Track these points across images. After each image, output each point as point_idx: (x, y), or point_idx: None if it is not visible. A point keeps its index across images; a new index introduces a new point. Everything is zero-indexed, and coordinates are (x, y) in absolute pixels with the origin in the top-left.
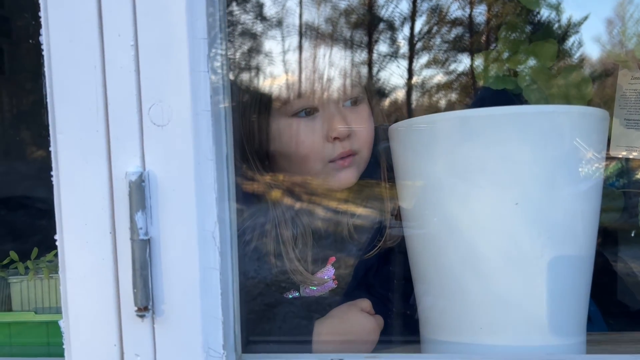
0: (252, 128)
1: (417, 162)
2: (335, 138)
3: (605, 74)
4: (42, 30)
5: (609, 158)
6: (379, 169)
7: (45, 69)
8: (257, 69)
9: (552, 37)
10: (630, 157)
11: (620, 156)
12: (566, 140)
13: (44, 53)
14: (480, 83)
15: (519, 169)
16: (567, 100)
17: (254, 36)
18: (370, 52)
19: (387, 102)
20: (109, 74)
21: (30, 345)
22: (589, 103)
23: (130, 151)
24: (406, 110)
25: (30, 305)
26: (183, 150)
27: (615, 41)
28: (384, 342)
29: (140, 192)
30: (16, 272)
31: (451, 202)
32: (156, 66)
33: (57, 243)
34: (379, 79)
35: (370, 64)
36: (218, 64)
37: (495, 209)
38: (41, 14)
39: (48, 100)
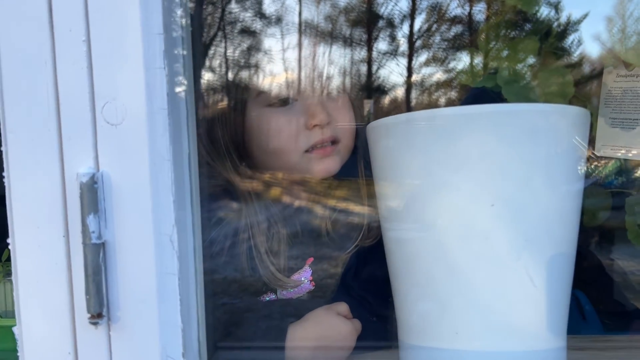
0: (228, 121)
1: (393, 162)
2: (315, 125)
3: (591, 72)
4: None
5: (596, 157)
6: (358, 165)
7: None
8: (232, 60)
9: (534, 34)
10: (615, 156)
11: (605, 155)
12: (545, 139)
13: None
14: (462, 81)
15: (496, 169)
16: (548, 98)
17: (227, 27)
18: (369, 50)
19: (386, 99)
20: (60, 71)
21: None
22: (571, 101)
23: (83, 151)
24: (405, 108)
25: None
26: (138, 150)
27: (615, 39)
28: (361, 347)
29: (92, 194)
30: None
31: (426, 203)
32: (109, 62)
33: (9, 247)
34: (377, 77)
35: (369, 64)
36: (179, 59)
37: (472, 211)
38: None
39: None
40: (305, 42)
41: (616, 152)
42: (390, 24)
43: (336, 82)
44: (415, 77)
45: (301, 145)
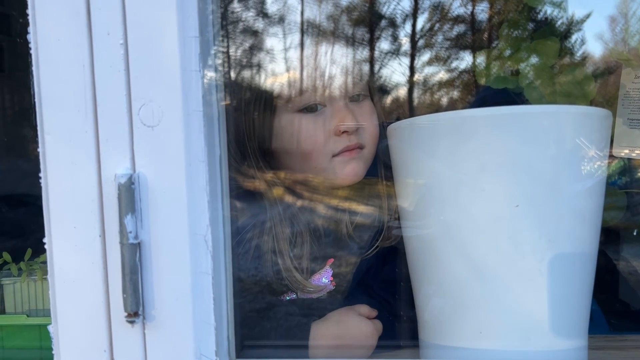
0: (256, 125)
1: (417, 162)
2: (343, 132)
3: (609, 72)
4: (30, 29)
5: (611, 157)
6: (378, 166)
7: (33, 68)
8: (262, 66)
9: (555, 35)
10: (633, 157)
11: (622, 156)
12: (568, 140)
13: (32, 52)
14: (481, 82)
15: (520, 170)
16: (569, 99)
17: (258, 33)
18: (372, 49)
19: (389, 99)
20: (98, 74)
21: (22, 349)
22: (591, 102)
23: (120, 153)
24: (408, 107)
25: (23, 307)
26: (174, 151)
27: (618, 39)
28: (383, 346)
29: (129, 194)
30: (9, 273)
31: (450, 204)
32: (146, 65)
33: (45, 246)
34: (380, 76)
35: (372, 61)
36: (211, 62)
37: (496, 211)
38: (29, 11)
39: (36, 100)
40: (336, 49)
41: (634, 153)
42: (393, 25)
43: (362, 88)
44: (421, 76)
45: (329, 151)
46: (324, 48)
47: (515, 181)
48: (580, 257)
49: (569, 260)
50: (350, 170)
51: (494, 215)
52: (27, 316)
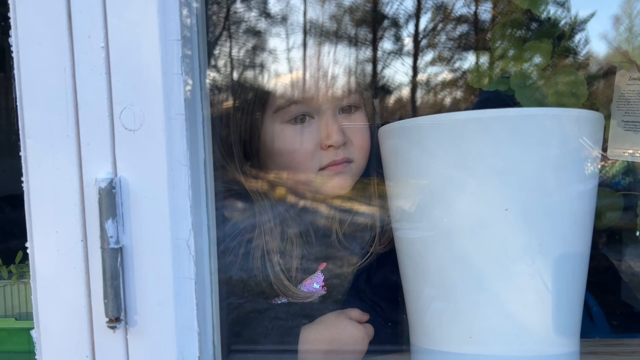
0: (245, 133)
1: (406, 166)
2: (329, 146)
3: (604, 75)
4: (12, 32)
5: (607, 159)
6: (371, 172)
7: (15, 71)
8: (252, 75)
9: (549, 37)
10: (628, 160)
11: (618, 158)
12: (559, 143)
13: (13, 55)
14: (474, 85)
15: (510, 173)
16: (561, 101)
17: (245, 39)
18: (374, 51)
19: (391, 99)
20: (79, 77)
21: (11, 352)
22: (584, 104)
23: (101, 157)
24: (410, 107)
25: (13, 310)
26: (155, 155)
27: (622, 38)
28: (373, 351)
29: (110, 199)
30: None
31: (440, 207)
32: (127, 69)
33: (28, 251)
34: (383, 77)
35: (374, 63)
36: (195, 66)
37: (485, 215)
38: (10, 14)
39: (17, 103)
40: (325, 63)
41: (629, 156)
42: (396, 24)
43: (353, 100)
44: (423, 77)
45: (314, 165)
46: (312, 60)
47: (505, 184)
48: (572, 261)
49: (560, 264)
50: (336, 184)
51: (484, 219)
52: (16, 320)
